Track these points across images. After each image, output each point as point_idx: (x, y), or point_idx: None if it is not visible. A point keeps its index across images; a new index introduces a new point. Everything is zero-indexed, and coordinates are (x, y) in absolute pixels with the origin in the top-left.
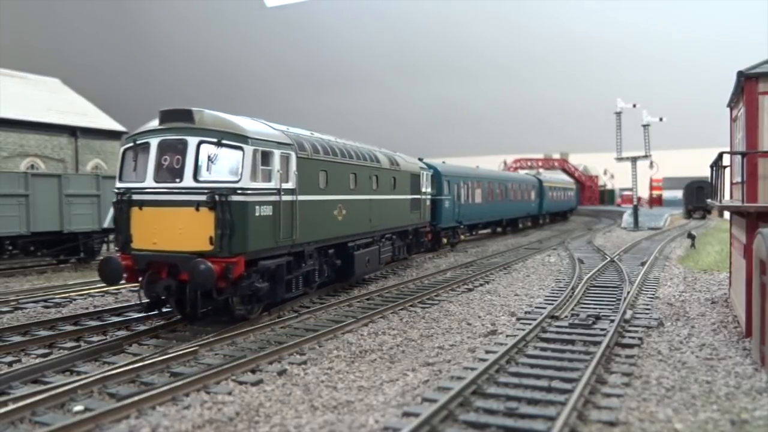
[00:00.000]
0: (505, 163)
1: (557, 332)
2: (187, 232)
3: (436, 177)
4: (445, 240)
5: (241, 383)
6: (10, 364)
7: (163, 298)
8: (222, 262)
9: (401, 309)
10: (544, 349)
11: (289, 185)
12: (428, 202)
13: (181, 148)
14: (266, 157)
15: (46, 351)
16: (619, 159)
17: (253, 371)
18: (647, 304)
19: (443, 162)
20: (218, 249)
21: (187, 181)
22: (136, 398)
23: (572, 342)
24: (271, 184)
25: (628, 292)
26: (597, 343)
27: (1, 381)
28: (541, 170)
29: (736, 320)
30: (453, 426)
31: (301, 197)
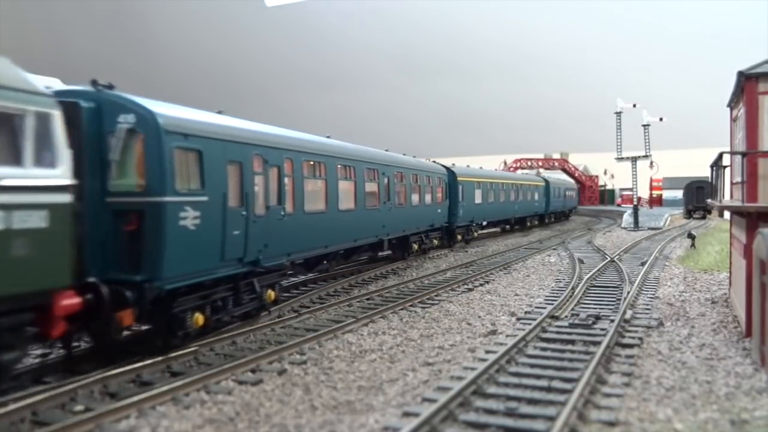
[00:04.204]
0: (505, 163)
1: (557, 332)
2: None
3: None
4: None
5: (241, 383)
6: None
7: None
8: None
9: (401, 309)
10: (544, 349)
11: None
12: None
13: None
14: None
15: (47, 351)
16: (619, 159)
17: (253, 371)
18: (647, 304)
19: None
20: None
21: None
22: (136, 398)
23: (572, 342)
24: None
25: (628, 292)
26: (597, 343)
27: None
28: (541, 170)
29: (736, 320)
30: (453, 426)
31: None
